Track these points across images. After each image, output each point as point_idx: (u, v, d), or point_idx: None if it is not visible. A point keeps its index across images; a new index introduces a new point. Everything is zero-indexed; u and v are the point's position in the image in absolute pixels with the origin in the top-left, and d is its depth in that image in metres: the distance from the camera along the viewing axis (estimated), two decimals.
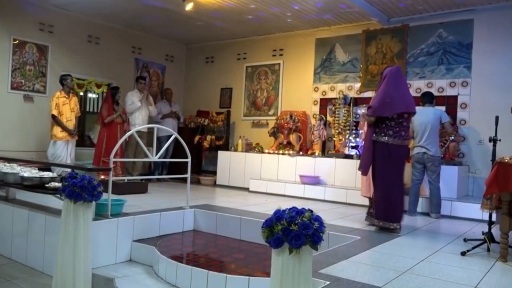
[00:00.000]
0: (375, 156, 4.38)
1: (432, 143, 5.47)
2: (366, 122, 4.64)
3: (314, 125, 7.56)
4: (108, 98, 6.97)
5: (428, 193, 5.59)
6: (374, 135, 4.37)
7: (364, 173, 4.54)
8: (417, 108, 5.94)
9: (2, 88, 6.92)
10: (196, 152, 8.40)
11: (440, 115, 5.56)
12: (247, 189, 7.39)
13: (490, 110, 5.96)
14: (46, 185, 4.09)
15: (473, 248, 3.59)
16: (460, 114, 6.50)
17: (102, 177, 5.63)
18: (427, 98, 5.75)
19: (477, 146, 6.35)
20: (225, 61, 9.33)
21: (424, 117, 5.50)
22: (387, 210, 4.31)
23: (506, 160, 3.36)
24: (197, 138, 8.64)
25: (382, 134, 4.33)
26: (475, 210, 5.17)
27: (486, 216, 3.97)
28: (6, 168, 4.59)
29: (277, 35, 8.52)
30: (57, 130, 6.57)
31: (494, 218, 3.76)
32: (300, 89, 8.20)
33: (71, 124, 6.67)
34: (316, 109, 7.96)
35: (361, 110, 7.13)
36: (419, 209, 5.63)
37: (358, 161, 6.37)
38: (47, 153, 6.65)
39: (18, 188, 4.38)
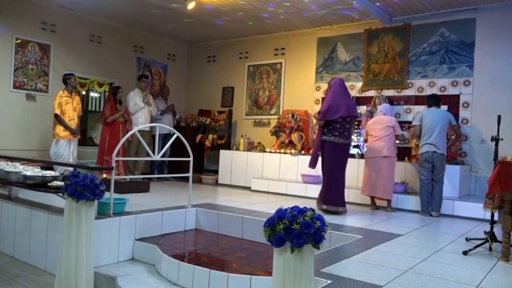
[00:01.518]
0: (324, 152, 5.24)
1: (441, 142, 5.46)
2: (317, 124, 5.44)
3: (316, 124, 7.55)
4: (110, 97, 6.99)
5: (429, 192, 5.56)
6: (323, 135, 5.21)
7: (312, 166, 5.31)
8: (426, 108, 6.08)
9: (4, 87, 6.94)
10: (198, 151, 8.40)
11: (449, 118, 5.58)
12: (249, 188, 7.39)
13: (492, 109, 5.95)
14: (49, 184, 4.09)
15: (475, 247, 3.59)
16: (462, 113, 6.49)
17: (104, 176, 5.65)
18: (434, 101, 5.73)
19: (479, 145, 6.34)
20: (227, 60, 9.33)
21: (435, 116, 5.51)
22: (329, 197, 5.18)
23: (508, 159, 3.35)
24: (199, 137, 8.64)
25: (330, 134, 5.19)
26: (477, 209, 5.17)
27: (488, 215, 3.96)
28: (9, 167, 4.60)
29: (279, 34, 8.52)
30: (59, 129, 6.58)
31: (496, 217, 3.75)
32: (302, 88, 8.20)
33: (73, 123, 6.67)
34: (318, 108, 7.94)
35: (365, 108, 7.17)
36: (418, 208, 5.63)
37: (360, 160, 6.41)
38: (50, 152, 6.67)
39: (20, 187, 4.38)
